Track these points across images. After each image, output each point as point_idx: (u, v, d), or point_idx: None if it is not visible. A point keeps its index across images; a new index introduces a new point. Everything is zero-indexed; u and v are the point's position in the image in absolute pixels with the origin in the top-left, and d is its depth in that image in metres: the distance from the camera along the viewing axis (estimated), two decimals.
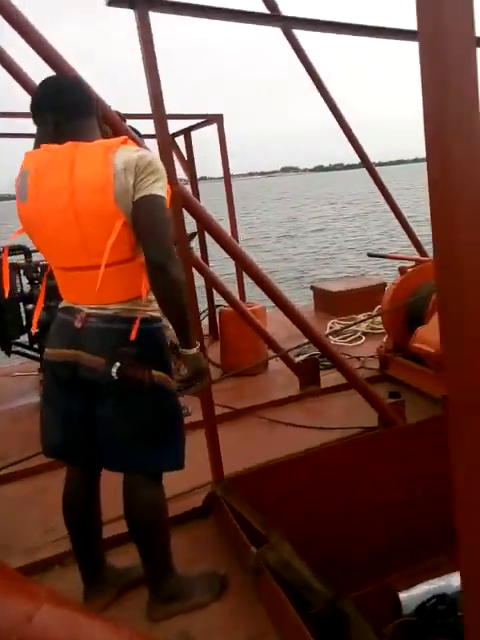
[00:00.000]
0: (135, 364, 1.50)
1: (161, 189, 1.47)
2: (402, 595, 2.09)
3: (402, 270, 3.22)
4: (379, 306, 4.34)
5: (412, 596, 2.09)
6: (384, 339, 3.45)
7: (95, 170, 1.45)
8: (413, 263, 3.37)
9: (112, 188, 1.42)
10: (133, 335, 1.49)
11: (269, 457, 2.39)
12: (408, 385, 3.03)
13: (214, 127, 4.26)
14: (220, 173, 4.44)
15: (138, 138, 2.34)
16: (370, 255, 3.87)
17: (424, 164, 0.65)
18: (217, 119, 4.22)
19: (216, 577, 1.74)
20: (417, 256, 3.84)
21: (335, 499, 2.08)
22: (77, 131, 1.57)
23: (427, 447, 2.16)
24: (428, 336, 2.43)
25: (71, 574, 1.77)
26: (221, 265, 6.42)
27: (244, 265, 2.52)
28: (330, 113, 3.62)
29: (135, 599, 1.69)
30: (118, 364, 1.49)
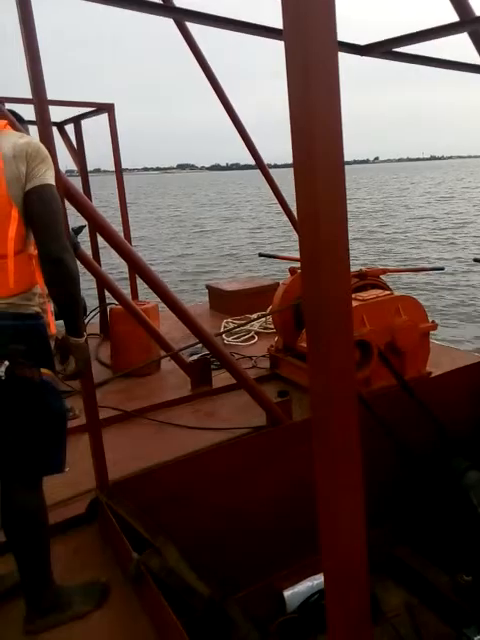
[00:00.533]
0: (24, 363, 1.44)
1: (52, 178, 1.43)
2: (286, 593, 2.15)
3: (292, 271, 3.33)
4: (271, 306, 4.47)
5: (296, 593, 2.16)
6: (275, 339, 3.54)
7: None
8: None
9: (3, 176, 1.36)
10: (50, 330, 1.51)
11: (159, 460, 2.36)
12: (297, 384, 3.14)
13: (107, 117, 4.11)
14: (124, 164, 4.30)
15: (18, 124, 2.18)
16: (261, 255, 3.95)
17: None
18: (108, 108, 4.08)
19: (96, 585, 1.68)
20: None
21: (222, 499, 2.08)
22: None
23: (311, 444, 2.24)
24: None
25: None
26: (114, 260, 6.23)
27: (133, 263, 2.45)
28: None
29: (10, 611, 1.60)
30: (7, 363, 1.42)
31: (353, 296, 2.66)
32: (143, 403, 3.03)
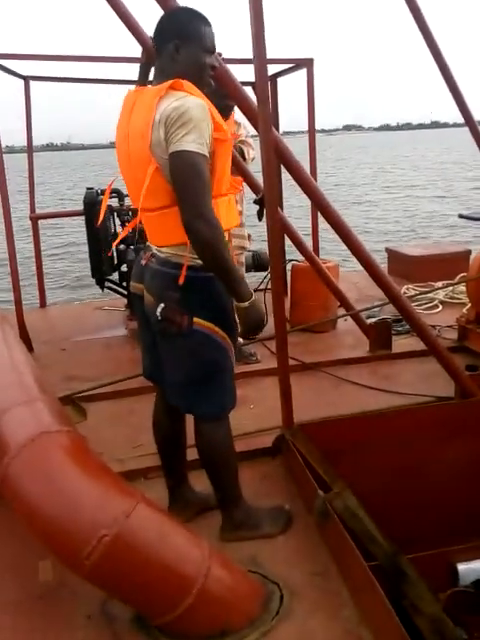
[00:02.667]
0: (176, 309, 1.53)
1: (193, 142, 1.40)
2: (461, 566, 2.09)
3: None
4: (462, 274, 4.15)
5: (472, 569, 2.08)
6: (465, 309, 3.32)
7: (142, 115, 1.47)
8: None
9: (149, 136, 1.44)
10: (181, 279, 1.50)
11: (334, 412, 2.41)
12: None
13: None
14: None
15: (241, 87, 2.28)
16: (462, 216, 3.65)
17: None
18: (308, 63, 3.97)
19: (283, 512, 1.82)
20: None
21: (401, 461, 2.07)
22: (158, 70, 1.57)
23: None
24: None
25: (155, 487, 1.93)
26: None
27: (328, 216, 2.44)
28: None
29: (209, 521, 1.81)
30: (162, 305, 1.53)
31: None
32: (320, 357, 3.10)
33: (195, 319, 1.54)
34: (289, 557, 1.64)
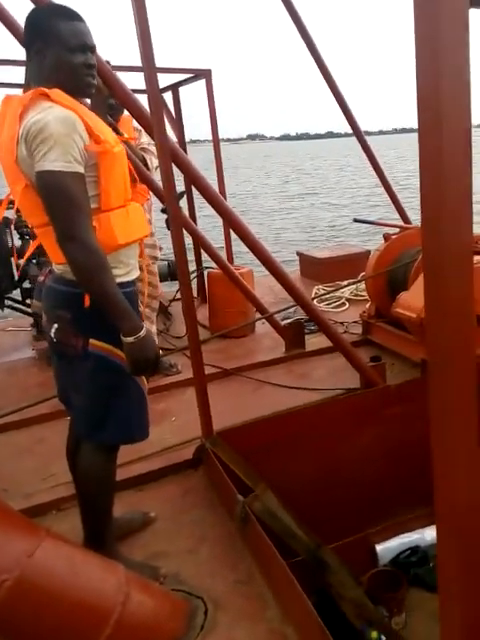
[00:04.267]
0: (69, 329, 1.43)
1: (56, 161, 1.29)
2: (379, 547, 2.22)
3: (386, 237, 3.27)
4: (363, 273, 4.40)
5: (388, 548, 2.23)
6: (367, 305, 3.52)
7: (8, 128, 1.36)
8: (397, 230, 3.41)
9: (14, 152, 1.34)
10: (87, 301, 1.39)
11: (257, 414, 2.46)
12: (389, 349, 3.13)
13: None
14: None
15: (130, 92, 2.28)
16: (356, 221, 3.89)
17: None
18: (206, 74, 4.06)
19: (154, 569, 1.63)
20: (401, 223, 3.89)
21: (318, 455, 2.17)
22: (27, 76, 1.42)
23: (406, 407, 2.26)
24: (410, 302, 2.49)
25: (68, 518, 1.86)
26: (207, 231, 6.36)
27: (234, 226, 2.52)
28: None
29: (130, 546, 1.77)
30: (56, 325, 1.45)
31: None
32: (240, 362, 3.16)
33: (91, 341, 1.43)
34: (213, 568, 1.65)
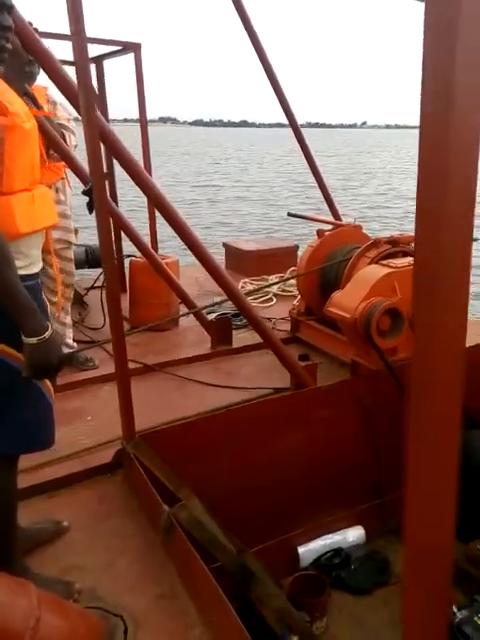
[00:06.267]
0: None
1: None
2: (300, 549, 2.21)
3: (320, 233, 3.25)
4: (292, 268, 4.40)
5: (310, 550, 2.22)
6: (295, 302, 3.50)
7: None
8: (331, 227, 3.41)
9: None
10: None
11: (179, 415, 2.36)
12: (317, 348, 3.12)
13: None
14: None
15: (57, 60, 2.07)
16: (290, 215, 3.85)
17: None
18: (135, 48, 3.76)
19: (68, 585, 1.52)
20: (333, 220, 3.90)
21: (244, 457, 2.10)
22: None
23: (334, 409, 2.25)
24: (344, 301, 2.48)
25: None
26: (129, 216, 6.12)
27: (164, 210, 2.36)
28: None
29: (41, 559, 1.61)
30: None
31: (385, 263, 2.60)
32: (162, 358, 3.01)
33: None
34: (133, 584, 1.53)
